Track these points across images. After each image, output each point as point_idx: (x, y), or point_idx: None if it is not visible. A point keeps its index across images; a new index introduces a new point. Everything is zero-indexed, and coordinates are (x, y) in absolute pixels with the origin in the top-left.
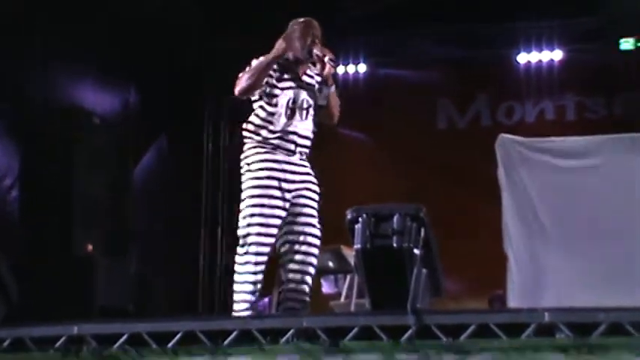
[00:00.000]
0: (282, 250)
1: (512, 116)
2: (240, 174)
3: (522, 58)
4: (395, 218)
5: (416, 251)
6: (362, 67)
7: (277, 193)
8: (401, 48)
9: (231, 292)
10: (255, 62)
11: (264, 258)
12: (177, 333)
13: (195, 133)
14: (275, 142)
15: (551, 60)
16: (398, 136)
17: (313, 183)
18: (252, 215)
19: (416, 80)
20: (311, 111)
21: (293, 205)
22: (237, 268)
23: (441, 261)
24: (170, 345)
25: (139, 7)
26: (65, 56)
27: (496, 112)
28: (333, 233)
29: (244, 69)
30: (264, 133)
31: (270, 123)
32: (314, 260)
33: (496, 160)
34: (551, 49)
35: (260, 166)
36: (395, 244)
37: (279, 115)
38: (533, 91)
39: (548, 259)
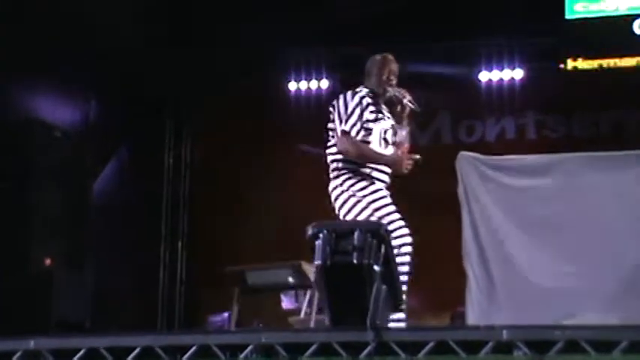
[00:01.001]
0: None
1: (473, 134)
2: (342, 202)
3: (484, 76)
4: (355, 234)
5: (376, 268)
6: (324, 83)
7: None
8: (363, 64)
9: (190, 305)
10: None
11: None
12: (135, 348)
13: (156, 146)
14: (373, 173)
15: (512, 79)
16: None
17: None
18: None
19: None
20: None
21: None
22: None
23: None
24: None
25: (99, 18)
26: (24, 68)
27: (457, 130)
28: (294, 249)
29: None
30: (360, 166)
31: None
32: None
33: (457, 178)
34: (512, 68)
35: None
36: (355, 261)
37: (373, 146)
38: (494, 109)
39: (504, 277)
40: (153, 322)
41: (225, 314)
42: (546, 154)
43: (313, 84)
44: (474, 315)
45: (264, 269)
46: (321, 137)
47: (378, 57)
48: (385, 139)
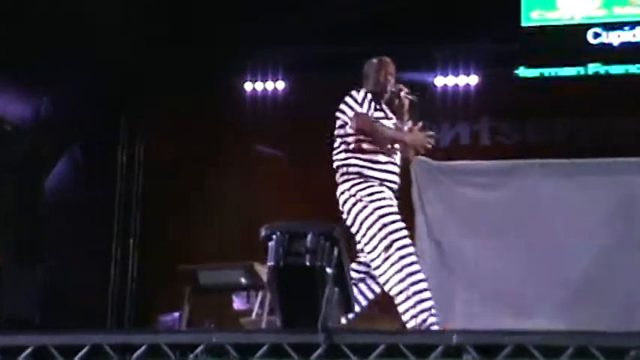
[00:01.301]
0: None
1: None
2: (350, 207)
3: (439, 81)
4: (309, 236)
5: (328, 270)
6: (280, 84)
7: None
8: (319, 66)
9: (142, 304)
10: (382, 127)
11: None
12: (84, 346)
13: (109, 143)
14: (380, 175)
15: (467, 84)
16: (314, 155)
17: None
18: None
19: (333, 99)
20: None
21: None
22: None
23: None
24: (77, 358)
25: (54, 11)
26: None
27: None
28: (247, 249)
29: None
30: (368, 170)
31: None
32: None
33: (411, 181)
34: (468, 74)
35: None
36: (308, 263)
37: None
38: (449, 114)
39: (456, 280)
40: (103, 321)
41: (176, 314)
42: (500, 160)
43: (269, 85)
44: None
45: (217, 269)
46: (276, 137)
47: (374, 60)
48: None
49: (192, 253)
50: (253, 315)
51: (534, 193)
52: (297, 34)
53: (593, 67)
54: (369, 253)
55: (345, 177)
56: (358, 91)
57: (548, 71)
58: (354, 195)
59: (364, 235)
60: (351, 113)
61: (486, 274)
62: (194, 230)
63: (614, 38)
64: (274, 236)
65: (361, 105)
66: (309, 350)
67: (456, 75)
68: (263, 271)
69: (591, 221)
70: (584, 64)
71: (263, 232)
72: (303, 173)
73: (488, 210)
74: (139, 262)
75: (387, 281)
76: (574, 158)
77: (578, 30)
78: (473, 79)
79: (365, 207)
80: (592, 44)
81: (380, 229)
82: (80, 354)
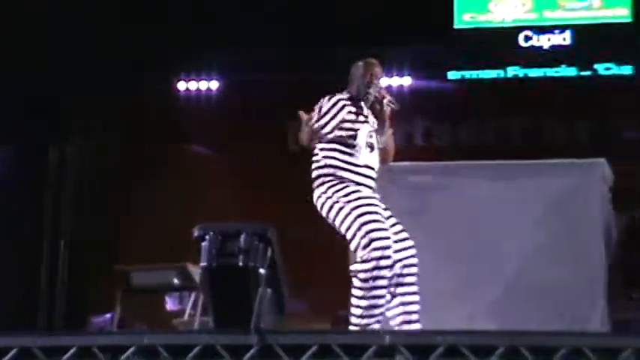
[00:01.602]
0: None
1: None
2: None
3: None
4: (242, 237)
5: (261, 271)
6: (214, 84)
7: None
8: (254, 68)
9: (73, 305)
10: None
11: None
12: (12, 349)
13: (40, 145)
14: (356, 178)
15: (401, 86)
16: (249, 156)
17: None
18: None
19: (268, 101)
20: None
21: None
22: None
23: (287, 281)
24: None
25: None
26: None
27: None
28: (179, 250)
29: None
30: (345, 171)
31: (352, 158)
32: None
33: None
34: (401, 75)
35: (359, 195)
36: (241, 263)
37: (359, 150)
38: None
39: None
40: (33, 323)
41: (108, 315)
42: (433, 161)
43: (203, 84)
44: None
45: (149, 270)
46: (210, 137)
47: (360, 63)
48: (370, 144)
49: (124, 254)
50: (186, 316)
51: (467, 193)
52: (230, 35)
53: (512, 70)
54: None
55: (322, 179)
56: (331, 98)
57: (477, 74)
58: (331, 197)
59: (345, 238)
60: (317, 113)
61: (425, 275)
62: (125, 231)
63: (545, 41)
64: (207, 237)
65: (324, 115)
66: (242, 351)
67: (390, 76)
68: (196, 271)
69: (523, 222)
70: (514, 66)
71: (196, 233)
72: (237, 173)
73: (426, 211)
74: (69, 264)
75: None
76: (504, 159)
77: (510, 32)
78: (406, 81)
79: (342, 208)
80: (523, 47)
81: (358, 229)
82: (8, 356)
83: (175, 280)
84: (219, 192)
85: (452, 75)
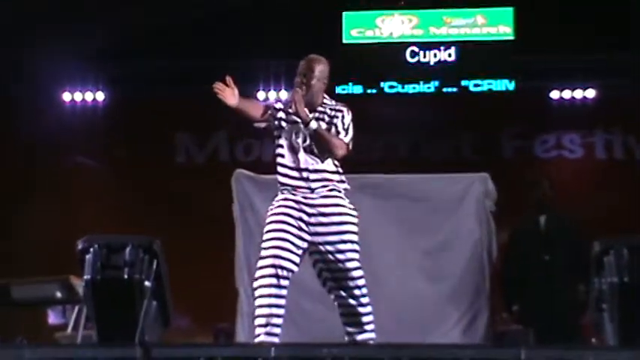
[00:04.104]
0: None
1: (251, 153)
2: None
3: (261, 95)
4: (127, 249)
5: (147, 283)
6: (100, 95)
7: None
8: (143, 79)
9: None
10: None
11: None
12: None
13: None
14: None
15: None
16: (136, 167)
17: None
18: None
19: (155, 112)
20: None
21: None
22: None
23: (171, 294)
24: None
25: None
26: None
27: (235, 149)
28: (62, 263)
29: None
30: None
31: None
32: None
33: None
34: (289, 89)
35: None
36: (126, 276)
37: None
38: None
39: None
40: None
41: None
42: None
43: (89, 95)
44: (244, 332)
45: (31, 283)
46: (96, 148)
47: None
48: (292, 145)
49: (9, 268)
50: (69, 329)
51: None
52: (120, 46)
53: (398, 85)
54: None
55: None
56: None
57: (365, 88)
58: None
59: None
60: None
61: (302, 288)
62: (11, 243)
63: (431, 57)
64: (92, 249)
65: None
66: None
67: (278, 90)
68: (79, 284)
69: (404, 236)
70: (404, 82)
71: (80, 245)
72: (123, 185)
73: None
74: None
75: None
76: (389, 174)
77: (397, 48)
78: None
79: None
80: (410, 62)
81: None
82: None
83: (58, 294)
84: (105, 204)
85: (340, 89)
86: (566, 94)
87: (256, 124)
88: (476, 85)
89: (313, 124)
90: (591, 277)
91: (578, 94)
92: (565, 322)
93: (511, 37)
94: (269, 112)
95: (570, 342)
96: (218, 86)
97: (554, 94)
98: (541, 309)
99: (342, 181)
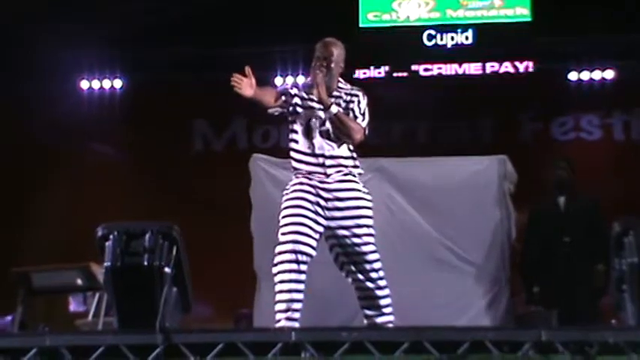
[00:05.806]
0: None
1: (269, 140)
2: None
3: (279, 81)
4: (147, 236)
5: (167, 270)
6: (118, 83)
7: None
8: (159, 66)
9: None
10: None
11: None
12: None
13: None
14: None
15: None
16: (153, 155)
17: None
18: None
19: (173, 99)
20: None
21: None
22: None
23: (191, 280)
24: None
25: None
26: None
27: (252, 136)
28: (83, 250)
29: None
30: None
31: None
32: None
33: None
34: (307, 75)
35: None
36: (145, 263)
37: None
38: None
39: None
40: None
41: (9, 317)
42: None
43: (106, 83)
44: (261, 317)
45: (51, 271)
46: (114, 137)
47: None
48: (307, 130)
49: (26, 255)
50: (90, 316)
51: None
52: (137, 34)
53: (416, 69)
54: None
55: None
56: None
57: (385, 72)
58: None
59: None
60: None
61: (318, 272)
62: (27, 231)
63: (448, 40)
64: (111, 236)
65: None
66: (147, 351)
67: (296, 75)
68: (100, 271)
69: (424, 221)
70: (420, 64)
71: (100, 232)
72: (141, 172)
73: None
74: None
75: None
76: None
77: (414, 31)
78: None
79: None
80: (427, 45)
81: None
82: None
83: (79, 281)
84: (123, 191)
85: (358, 74)
86: (585, 75)
87: (270, 110)
88: (493, 68)
89: (334, 108)
90: (611, 257)
91: (597, 75)
92: (585, 303)
93: (528, 19)
94: (283, 97)
95: (590, 323)
96: (236, 78)
97: (573, 76)
98: (562, 290)
99: (356, 166)
